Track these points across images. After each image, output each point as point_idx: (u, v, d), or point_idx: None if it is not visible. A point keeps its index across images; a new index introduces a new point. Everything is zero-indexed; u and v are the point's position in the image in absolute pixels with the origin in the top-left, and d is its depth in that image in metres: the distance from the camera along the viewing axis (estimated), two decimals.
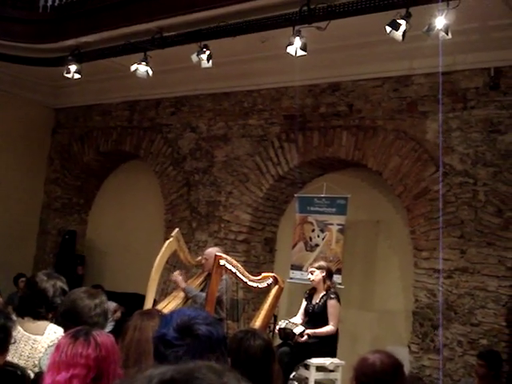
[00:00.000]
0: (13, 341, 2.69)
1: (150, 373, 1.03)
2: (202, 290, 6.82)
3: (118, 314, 8.60)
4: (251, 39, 7.25)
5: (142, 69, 7.63)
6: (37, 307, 3.51)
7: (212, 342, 1.64)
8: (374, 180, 7.87)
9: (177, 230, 6.82)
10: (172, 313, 1.72)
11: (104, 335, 2.05)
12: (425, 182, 6.99)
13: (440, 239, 6.59)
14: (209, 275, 6.72)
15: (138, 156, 10.18)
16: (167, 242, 6.65)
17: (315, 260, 7.48)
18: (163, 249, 6.59)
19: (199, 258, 7.08)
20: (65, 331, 3.13)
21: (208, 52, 7.09)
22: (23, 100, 10.80)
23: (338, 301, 6.52)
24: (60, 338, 2.22)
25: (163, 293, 7.76)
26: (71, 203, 11.21)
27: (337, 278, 7.16)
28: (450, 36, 5.59)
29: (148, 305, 6.25)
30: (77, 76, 8.30)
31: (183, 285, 6.71)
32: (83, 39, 8.18)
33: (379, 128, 7.45)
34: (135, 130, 10.13)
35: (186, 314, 1.69)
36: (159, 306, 6.37)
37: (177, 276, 6.81)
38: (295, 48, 6.41)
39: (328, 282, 6.59)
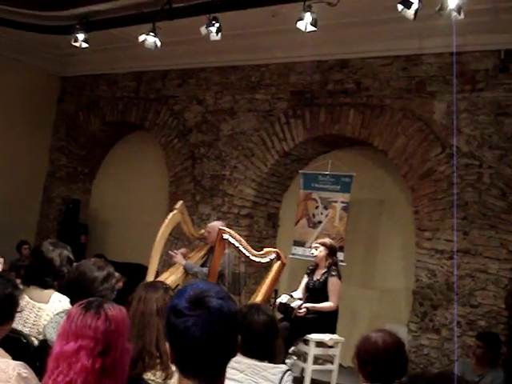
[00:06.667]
0: (19, 309, 2.71)
1: None
2: (204, 263, 6.83)
3: (120, 284, 8.60)
4: (261, 13, 7.19)
5: (150, 40, 7.58)
6: (44, 276, 3.56)
7: (222, 316, 1.67)
8: (380, 159, 7.86)
9: (181, 202, 6.80)
10: (187, 285, 1.77)
11: (116, 309, 2.05)
12: (430, 163, 6.97)
13: (454, 219, 6.54)
14: (211, 248, 6.73)
15: (144, 127, 10.16)
16: (171, 214, 6.63)
17: (318, 237, 7.50)
18: (167, 221, 6.57)
19: (202, 231, 7.09)
20: (71, 301, 3.16)
21: (217, 25, 7.02)
22: (29, 67, 10.75)
23: (339, 278, 6.52)
24: (71, 307, 2.24)
25: (165, 264, 7.81)
26: (76, 172, 11.24)
27: (339, 256, 7.15)
28: (462, 16, 5.52)
29: (150, 276, 6.27)
30: (84, 45, 8.26)
31: (183, 262, 6.72)
32: (93, 8, 8.12)
33: (386, 107, 7.42)
34: (141, 101, 10.10)
35: (199, 287, 1.73)
36: (161, 278, 6.40)
37: (176, 255, 6.80)
38: (305, 23, 6.36)
39: (330, 260, 6.59)
